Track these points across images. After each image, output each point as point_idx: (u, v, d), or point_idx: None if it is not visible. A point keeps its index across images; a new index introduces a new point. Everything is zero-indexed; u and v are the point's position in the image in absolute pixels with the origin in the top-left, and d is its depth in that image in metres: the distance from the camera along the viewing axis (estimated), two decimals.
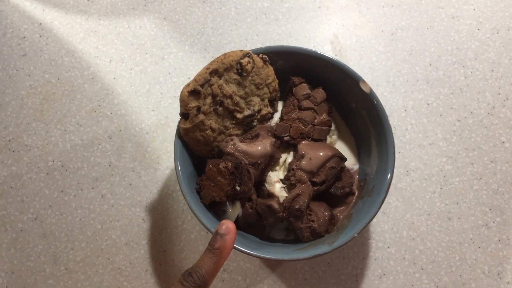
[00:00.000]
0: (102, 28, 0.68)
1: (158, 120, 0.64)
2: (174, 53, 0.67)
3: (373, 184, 0.52)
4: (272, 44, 0.66)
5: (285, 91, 0.57)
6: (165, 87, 0.66)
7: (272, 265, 0.58)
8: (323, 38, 0.67)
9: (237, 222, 0.53)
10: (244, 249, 0.47)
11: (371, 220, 0.48)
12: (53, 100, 0.65)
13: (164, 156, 0.63)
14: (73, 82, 0.66)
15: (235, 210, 0.52)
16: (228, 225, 0.45)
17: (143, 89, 0.66)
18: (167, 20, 0.69)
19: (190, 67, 0.66)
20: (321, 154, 0.52)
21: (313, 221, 0.51)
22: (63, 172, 0.62)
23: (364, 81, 0.52)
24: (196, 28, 0.68)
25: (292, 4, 0.68)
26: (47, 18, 0.69)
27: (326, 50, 0.66)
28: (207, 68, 0.49)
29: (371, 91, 0.52)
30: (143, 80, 0.66)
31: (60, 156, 0.63)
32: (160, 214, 0.60)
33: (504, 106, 0.63)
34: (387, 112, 0.60)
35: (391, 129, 0.50)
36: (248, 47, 0.52)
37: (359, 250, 0.58)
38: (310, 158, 0.52)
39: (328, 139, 0.57)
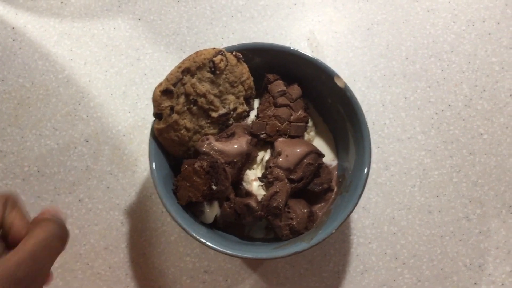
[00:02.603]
0: (76, 31, 0.67)
1: (135, 122, 0.63)
2: (149, 53, 0.66)
3: (351, 179, 0.51)
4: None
5: (261, 89, 0.56)
6: (141, 89, 0.65)
7: (254, 264, 0.58)
8: (299, 35, 0.66)
9: (215, 222, 0.52)
10: (222, 249, 0.46)
11: (348, 216, 0.47)
12: (27, 105, 0.64)
13: (142, 158, 0.62)
14: (48, 86, 0.65)
15: (213, 210, 0.52)
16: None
17: (119, 91, 0.65)
18: (141, 20, 0.68)
19: (166, 68, 0.66)
20: (298, 150, 0.52)
21: (291, 218, 0.51)
22: (39, 177, 0.61)
23: (338, 76, 0.51)
24: (171, 28, 0.67)
25: (267, 2, 0.68)
26: (20, 22, 0.68)
27: (302, 46, 0.66)
28: (179, 67, 0.48)
29: (346, 85, 0.51)
30: (118, 82, 0.65)
31: (36, 161, 0.62)
32: (139, 216, 0.60)
33: (481, 98, 0.63)
34: (365, 107, 0.60)
35: (366, 123, 0.50)
36: (224, 46, 0.52)
37: (340, 246, 0.58)
38: (287, 155, 0.51)
39: (306, 136, 0.56)
